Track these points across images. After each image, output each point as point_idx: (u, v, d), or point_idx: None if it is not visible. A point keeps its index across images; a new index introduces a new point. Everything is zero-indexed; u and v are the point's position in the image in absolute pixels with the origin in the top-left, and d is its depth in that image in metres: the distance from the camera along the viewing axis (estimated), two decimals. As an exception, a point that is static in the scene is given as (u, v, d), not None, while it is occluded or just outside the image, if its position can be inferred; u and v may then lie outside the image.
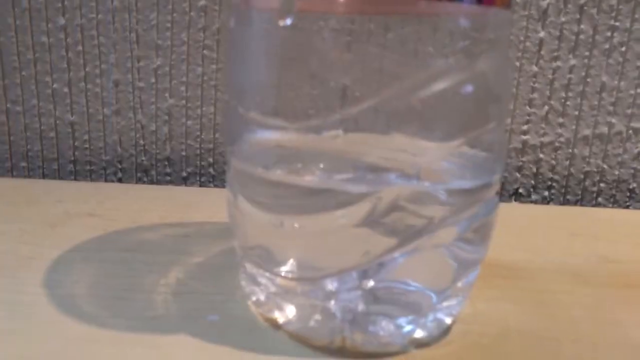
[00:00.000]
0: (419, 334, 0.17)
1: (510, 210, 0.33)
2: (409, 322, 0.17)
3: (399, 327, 0.17)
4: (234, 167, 0.19)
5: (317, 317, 0.18)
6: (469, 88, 0.17)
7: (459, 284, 0.18)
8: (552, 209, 0.34)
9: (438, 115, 0.17)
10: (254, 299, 0.19)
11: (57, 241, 0.24)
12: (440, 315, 0.18)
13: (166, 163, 0.37)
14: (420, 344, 0.17)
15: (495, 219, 0.19)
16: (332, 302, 0.18)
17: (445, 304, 0.18)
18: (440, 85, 0.17)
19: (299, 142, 0.18)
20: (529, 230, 0.29)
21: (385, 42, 0.17)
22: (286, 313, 0.18)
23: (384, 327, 0.17)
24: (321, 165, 0.18)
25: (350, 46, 0.16)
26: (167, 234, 0.26)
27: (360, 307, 0.18)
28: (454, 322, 0.18)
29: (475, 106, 0.17)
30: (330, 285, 0.18)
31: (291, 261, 0.18)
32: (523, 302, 0.21)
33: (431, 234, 0.17)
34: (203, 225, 0.27)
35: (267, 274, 0.18)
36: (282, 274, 0.18)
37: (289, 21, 0.15)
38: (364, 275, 0.17)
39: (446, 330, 0.18)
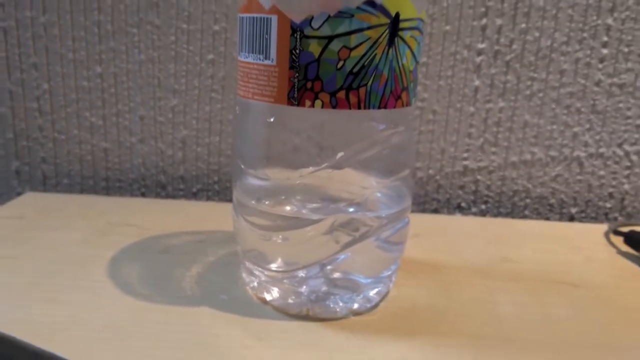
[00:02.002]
0: (356, 306, 0.27)
1: (448, 222, 0.42)
2: (350, 299, 0.26)
3: (344, 302, 0.26)
4: (235, 197, 0.28)
5: (292, 296, 0.27)
6: (390, 150, 0.26)
7: (384, 274, 0.27)
8: (482, 221, 0.44)
9: (374, 164, 0.27)
10: (250, 285, 0.29)
11: (108, 245, 0.34)
12: (371, 295, 0.27)
13: (180, 181, 0.47)
14: (356, 313, 0.27)
15: (408, 230, 0.28)
16: (303, 287, 0.27)
17: (375, 286, 0.27)
18: (375, 149, 0.26)
19: (281, 181, 0.27)
20: (456, 238, 0.38)
21: (339, 125, 0.26)
22: (272, 294, 0.27)
23: (335, 302, 0.26)
24: (298, 197, 0.28)
25: (321, 127, 0.25)
26: (187, 240, 0.35)
27: (322, 289, 0.27)
28: (381, 300, 0.28)
29: (395, 160, 0.27)
30: (302, 274, 0.27)
31: (276, 260, 0.27)
32: (434, 289, 0.30)
33: (367, 239, 0.26)
34: (214, 233, 0.36)
35: (260, 269, 0.28)
36: (270, 268, 0.27)
37: (272, 119, 0.24)
38: (324, 268, 0.27)
39: (375, 305, 0.27)
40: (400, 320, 0.27)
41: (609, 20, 0.42)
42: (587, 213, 0.46)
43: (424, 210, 0.47)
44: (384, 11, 0.22)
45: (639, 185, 0.46)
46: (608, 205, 0.46)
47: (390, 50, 0.23)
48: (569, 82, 0.44)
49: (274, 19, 0.22)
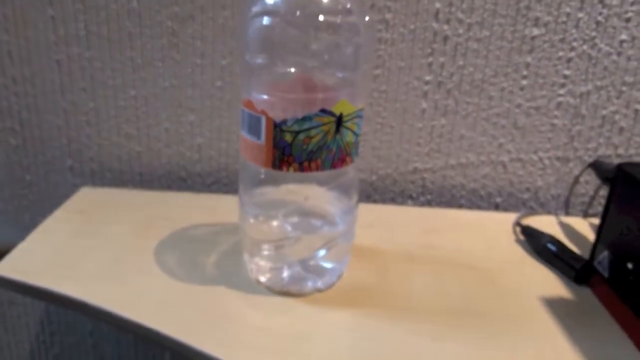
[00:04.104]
0: (320, 285, 0.41)
1: (398, 213, 0.56)
2: (316, 281, 0.41)
3: (313, 282, 0.41)
4: (240, 214, 0.42)
5: (279, 279, 0.41)
6: (341, 188, 0.40)
7: (341, 262, 0.42)
8: (424, 211, 0.58)
9: (333, 197, 0.41)
10: (250, 269, 0.43)
11: (151, 236, 0.48)
12: (332, 278, 0.42)
13: (197, 176, 0.60)
14: (319, 291, 0.41)
15: (355, 230, 0.42)
16: (286, 273, 0.42)
17: (336, 271, 0.42)
18: (332, 188, 0.40)
19: (270, 195, 0.41)
20: (400, 228, 0.53)
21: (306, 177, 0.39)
22: (265, 276, 0.42)
23: (305, 283, 0.41)
24: (281, 211, 0.42)
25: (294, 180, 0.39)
26: (206, 231, 0.50)
27: (300, 275, 0.41)
28: (337, 280, 0.42)
29: (345, 194, 0.41)
30: (286, 268, 0.41)
31: (268, 258, 0.42)
32: (372, 271, 0.45)
33: (336, 243, 0.41)
34: (224, 225, 0.51)
35: (256, 259, 0.42)
36: (263, 264, 0.42)
37: (263, 175, 0.38)
38: (303, 261, 0.41)
39: (332, 284, 0.42)
40: (347, 295, 0.42)
41: (528, 59, 0.54)
42: (509, 202, 0.61)
43: (384, 200, 0.61)
44: (332, 114, 0.35)
45: (549, 182, 0.59)
46: (525, 196, 0.60)
47: (337, 135, 0.36)
48: (496, 105, 0.56)
49: (263, 117, 0.36)
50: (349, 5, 0.34)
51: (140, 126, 0.58)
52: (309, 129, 0.35)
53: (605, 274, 0.43)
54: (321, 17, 0.32)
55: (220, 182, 0.61)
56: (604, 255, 0.44)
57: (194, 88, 0.57)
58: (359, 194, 0.42)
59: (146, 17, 0.54)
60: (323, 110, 0.35)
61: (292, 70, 0.34)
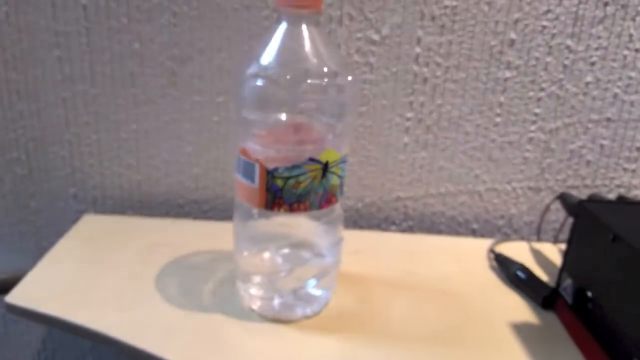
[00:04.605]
0: (308, 312, 0.45)
1: (382, 239, 0.60)
2: (306, 308, 0.45)
3: (302, 310, 0.45)
4: (234, 246, 0.46)
5: (270, 307, 0.45)
6: (329, 225, 0.44)
7: (328, 289, 0.46)
8: (406, 237, 0.62)
9: (325, 229, 0.45)
10: (244, 297, 0.47)
11: (152, 263, 0.52)
12: (320, 305, 0.46)
13: (194, 203, 0.64)
14: (307, 317, 0.45)
15: (340, 259, 0.47)
16: (277, 301, 0.45)
17: (323, 299, 0.46)
18: (319, 225, 0.44)
19: (262, 228, 0.45)
20: (383, 254, 0.57)
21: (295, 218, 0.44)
22: (256, 304, 0.46)
23: (294, 310, 0.45)
24: (272, 244, 0.46)
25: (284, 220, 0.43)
26: (205, 259, 0.54)
27: (291, 303, 0.45)
28: (323, 308, 0.46)
29: (332, 227, 0.45)
30: (277, 297, 0.45)
31: (260, 289, 0.46)
32: (356, 297, 0.49)
33: (324, 274, 0.45)
34: (221, 252, 0.55)
35: (250, 289, 0.46)
36: (255, 289, 0.45)
37: (256, 215, 0.42)
38: (294, 290, 0.45)
39: (319, 311, 0.46)
40: (333, 321, 0.46)
41: (501, 99, 0.59)
42: (485, 228, 0.65)
43: (369, 225, 0.65)
44: (319, 162, 0.40)
45: (522, 210, 0.64)
46: (500, 223, 0.65)
47: (323, 180, 0.40)
48: (472, 139, 0.61)
49: (257, 165, 0.40)
50: (333, 68, 0.38)
51: (141, 157, 0.62)
52: (298, 175, 0.39)
53: (569, 300, 0.48)
54: (309, 81, 0.37)
55: (216, 208, 0.65)
56: (568, 282, 0.48)
57: (192, 122, 0.61)
58: (344, 222, 0.46)
59: (148, 58, 0.58)
60: (311, 159, 0.39)
61: (283, 124, 0.39)
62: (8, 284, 0.48)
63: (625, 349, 0.40)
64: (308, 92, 0.37)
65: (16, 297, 0.46)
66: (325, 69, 0.38)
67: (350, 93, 0.39)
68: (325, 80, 0.37)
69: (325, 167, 0.40)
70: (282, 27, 0.38)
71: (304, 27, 0.38)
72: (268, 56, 0.38)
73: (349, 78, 0.39)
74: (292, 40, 0.38)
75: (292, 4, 0.37)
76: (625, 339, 0.40)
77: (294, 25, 0.38)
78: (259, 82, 0.37)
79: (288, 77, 0.37)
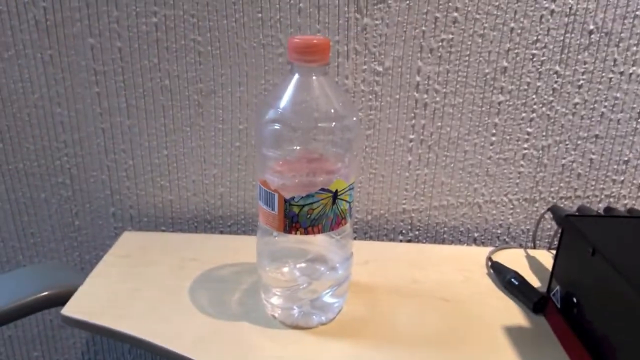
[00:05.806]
0: (323, 319, 0.52)
1: (390, 249, 0.66)
2: (322, 316, 0.51)
3: (317, 317, 0.51)
4: (257, 261, 0.53)
5: (289, 315, 0.52)
6: (340, 242, 0.50)
7: (342, 298, 0.52)
8: (412, 246, 0.68)
9: (334, 249, 0.51)
10: (267, 307, 0.54)
11: (184, 277, 0.59)
12: (334, 313, 0.52)
13: (219, 219, 0.71)
14: (323, 324, 0.52)
15: (351, 271, 0.53)
16: (296, 310, 0.52)
17: (337, 307, 0.52)
18: (332, 242, 0.50)
19: (281, 244, 0.52)
20: (391, 263, 0.63)
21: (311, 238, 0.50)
22: (278, 313, 0.52)
23: (313, 318, 0.51)
24: (290, 260, 0.52)
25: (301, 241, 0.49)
26: (230, 271, 0.60)
27: (308, 311, 0.52)
28: (337, 314, 0.53)
29: (343, 246, 0.51)
30: (296, 306, 0.52)
31: (281, 297, 0.52)
32: (367, 305, 0.55)
33: (337, 286, 0.51)
34: (244, 265, 0.61)
35: (272, 299, 0.53)
36: (276, 299, 0.52)
37: (276, 237, 0.49)
38: (312, 300, 0.51)
39: (334, 318, 0.53)
40: (345, 327, 0.52)
41: (496, 120, 0.65)
42: (485, 237, 0.71)
43: (378, 236, 0.71)
44: (329, 191, 0.46)
45: (518, 219, 0.69)
46: (499, 231, 0.70)
47: (334, 205, 0.47)
48: (470, 157, 0.67)
49: (276, 195, 0.46)
50: (341, 112, 0.44)
51: (172, 179, 0.69)
52: (311, 203, 0.46)
53: (558, 305, 0.53)
54: (319, 124, 0.43)
55: (239, 223, 0.71)
56: (557, 289, 0.54)
57: (216, 147, 0.67)
58: (356, 233, 0.53)
59: (176, 92, 0.65)
60: (323, 189, 0.46)
61: (298, 160, 0.45)
62: (61, 296, 0.56)
63: (606, 351, 0.45)
64: (318, 134, 0.43)
65: (70, 310, 0.53)
66: (333, 113, 0.44)
67: (355, 132, 0.46)
68: (334, 123, 0.43)
69: (335, 195, 0.46)
70: (295, 77, 0.44)
71: (313, 77, 0.44)
72: (283, 103, 0.44)
73: (354, 119, 0.45)
74: (303, 89, 0.44)
75: (302, 60, 0.43)
76: (606, 342, 0.45)
77: (305, 76, 0.44)
78: (276, 126, 0.44)
79: (300, 122, 0.43)
